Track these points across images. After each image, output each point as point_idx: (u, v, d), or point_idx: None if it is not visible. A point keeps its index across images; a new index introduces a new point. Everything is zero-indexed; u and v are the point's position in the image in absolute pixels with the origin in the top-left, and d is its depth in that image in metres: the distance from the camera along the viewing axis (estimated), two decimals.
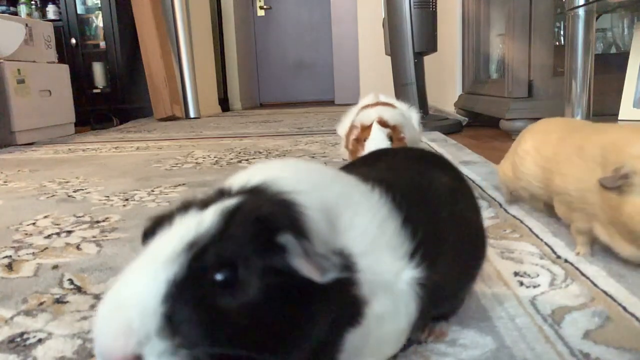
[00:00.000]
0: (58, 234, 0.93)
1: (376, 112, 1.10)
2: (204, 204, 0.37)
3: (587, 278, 0.63)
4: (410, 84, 2.36)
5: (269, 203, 0.36)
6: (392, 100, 1.23)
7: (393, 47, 2.42)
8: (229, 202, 0.36)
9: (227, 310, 0.33)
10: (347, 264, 0.37)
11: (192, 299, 0.33)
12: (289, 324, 0.34)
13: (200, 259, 0.33)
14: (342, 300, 0.37)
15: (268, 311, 0.34)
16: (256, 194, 0.38)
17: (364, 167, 0.53)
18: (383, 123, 1.08)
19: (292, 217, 0.35)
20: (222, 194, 0.39)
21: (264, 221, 0.35)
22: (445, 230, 0.46)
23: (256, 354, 0.33)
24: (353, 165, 0.56)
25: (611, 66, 1.84)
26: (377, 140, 1.04)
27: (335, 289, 0.37)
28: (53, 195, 1.28)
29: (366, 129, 1.08)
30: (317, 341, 0.36)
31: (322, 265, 0.35)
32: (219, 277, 0.33)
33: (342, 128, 1.28)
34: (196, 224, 0.35)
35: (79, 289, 0.67)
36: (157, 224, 0.37)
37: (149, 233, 0.37)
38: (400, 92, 2.40)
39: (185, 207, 0.38)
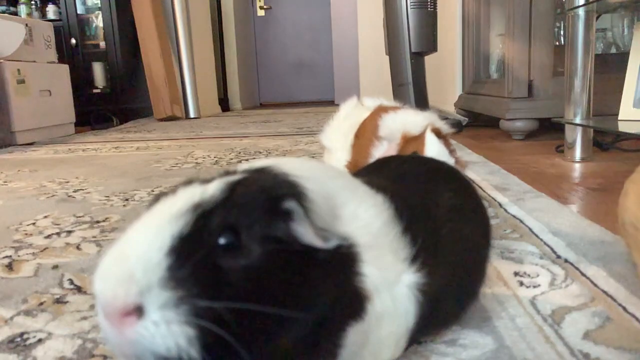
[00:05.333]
0: (58, 234, 0.93)
1: (424, 118, 0.85)
2: (207, 181, 0.38)
3: (587, 278, 0.62)
4: (407, 84, 2.36)
5: (272, 178, 0.37)
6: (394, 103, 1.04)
7: (390, 47, 2.42)
8: (233, 177, 0.37)
9: (229, 272, 0.33)
10: (350, 252, 0.38)
11: (195, 255, 0.33)
12: (286, 293, 0.34)
13: (204, 220, 0.34)
14: (345, 288, 0.37)
15: (268, 277, 0.34)
16: (260, 173, 0.38)
17: (370, 175, 0.53)
18: (437, 132, 0.83)
19: (294, 189, 0.36)
20: (227, 173, 0.39)
21: (268, 190, 0.35)
22: (446, 245, 0.46)
23: (254, 318, 0.33)
24: (359, 174, 0.56)
25: (611, 66, 1.84)
26: (438, 154, 0.79)
27: (338, 269, 0.37)
28: (53, 195, 1.27)
29: (412, 141, 0.82)
30: (316, 323, 0.36)
31: (323, 234, 0.36)
32: (221, 240, 0.33)
33: (331, 138, 1.00)
34: (200, 191, 0.36)
35: (79, 289, 0.67)
36: (163, 195, 0.38)
37: (156, 202, 0.38)
38: (397, 92, 2.40)
39: (188, 182, 0.38)
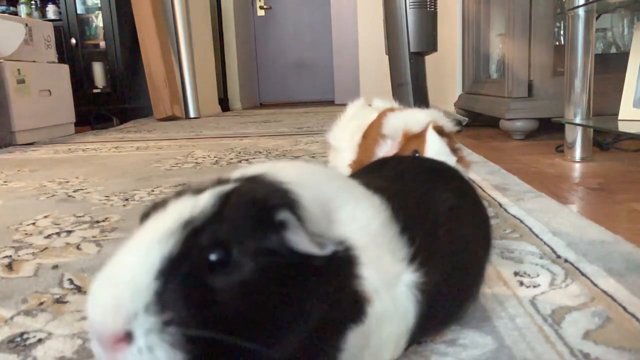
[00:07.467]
0: (58, 234, 0.93)
1: (426, 116, 0.83)
2: (199, 190, 0.37)
3: (587, 278, 0.62)
4: (405, 84, 2.36)
5: (263, 187, 0.36)
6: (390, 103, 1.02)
7: (390, 47, 2.42)
8: (225, 187, 0.37)
9: (220, 290, 0.33)
10: (348, 255, 0.37)
11: (185, 276, 0.32)
12: (282, 306, 0.34)
13: (194, 238, 0.33)
14: (344, 292, 0.37)
15: (261, 293, 0.33)
16: (252, 182, 0.38)
17: (368, 175, 0.53)
18: (439, 130, 0.81)
19: (287, 198, 0.36)
20: (219, 182, 0.39)
21: (260, 202, 0.35)
22: (444, 245, 0.46)
23: (248, 335, 0.33)
24: (356, 175, 0.56)
25: (611, 66, 1.84)
26: (438, 153, 0.77)
27: (336, 274, 0.37)
28: (53, 195, 1.27)
29: (413, 139, 0.81)
30: (315, 331, 0.35)
31: (319, 240, 0.35)
32: (212, 257, 0.33)
33: (338, 138, 1.00)
34: (191, 205, 0.35)
35: (79, 289, 0.67)
36: (153, 208, 0.37)
37: (146, 217, 0.37)
38: (396, 92, 2.40)
39: (180, 193, 0.38)
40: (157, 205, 0.37)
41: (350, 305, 0.37)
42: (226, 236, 0.34)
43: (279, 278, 0.34)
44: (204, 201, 0.35)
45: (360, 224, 0.40)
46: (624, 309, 0.54)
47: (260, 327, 0.33)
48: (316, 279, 0.35)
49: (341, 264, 0.37)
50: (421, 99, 2.36)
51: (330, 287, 0.36)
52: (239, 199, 0.35)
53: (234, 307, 0.33)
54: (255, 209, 0.35)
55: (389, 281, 0.40)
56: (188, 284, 0.32)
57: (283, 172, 0.39)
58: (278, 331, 0.34)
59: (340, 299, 0.37)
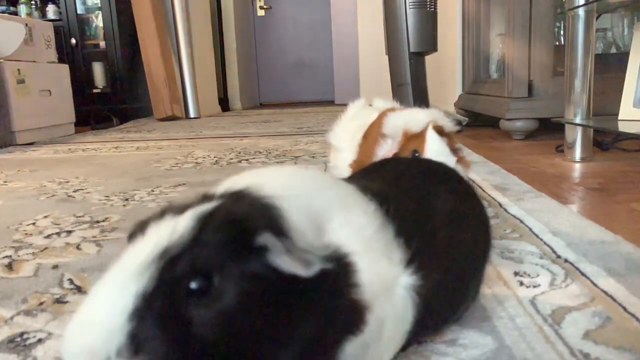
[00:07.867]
0: (58, 234, 0.93)
1: (426, 116, 0.83)
2: (181, 209, 0.36)
3: (587, 278, 0.62)
4: (405, 84, 2.36)
5: (244, 206, 0.35)
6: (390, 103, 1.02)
7: (390, 47, 2.42)
8: (206, 207, 0.35)
9: (200, 323, 0.31)
10: (344, 263, 0.36)
11: (161, 313, 0.31)
12: (271, 331, 0.33)
13: (171, 269, 0.32)
14: (340, 304, 0.36)
15: (247, 317, 0.32)
16: (235, 199, 0.36)
17: (366, 178, 0.52)
18: (439, 129, 0.81)
19: (268, 217, 0.34)
20: (204, 198, 0.38)
21: (239, 224, 0.33)
22: (442, 247, 0.45)
23: None
24: (355, 177, 0.56)
25: (611, 66, 1.84)
26: (437, 153, 0.77)
27: (332, 285, 0.35)
28: (53, 195, 1.28)
29: (413, 138, 0.81)
30: (308, 347, 0.34)
31: (305, 259, 0.34)
32: (193, 285, 0.32)
33: (339, 138, 1.00)
34: (169, 231, 0.34)
35: (79, 289, 0.67)
36: (140, 228, 0.36)
37: (134, 237, 0.36)
38: (396, 92, 2.40)
39: (162, 213, 0.36)
40: (138, 229, 0.36)
41: (347, 317, 0.36)
42: (206, 263, 0.32)
43: (266, 301, 0.33)
44: (183, 225, 0.34)
45: (354, 229, 0.39)
46: (624, 309, 0.54)
47: (246, 356, 0.32)
48: (307, 295, 0.34)
49: (336, 274, 0.36)
50: (421, 99, 2.36)
51: (325, 301, 0.35)
52: (220, 220, 0.33)
53: (216, 338, 0.31)
54: (235, 233, 0.33)
55: (387, 285, 0.39)
56: (164, 320, 0.31)
57: (270, 184, 0.37)
58: (267, 357, 0.33)
59: (335, 312, 0.35)
